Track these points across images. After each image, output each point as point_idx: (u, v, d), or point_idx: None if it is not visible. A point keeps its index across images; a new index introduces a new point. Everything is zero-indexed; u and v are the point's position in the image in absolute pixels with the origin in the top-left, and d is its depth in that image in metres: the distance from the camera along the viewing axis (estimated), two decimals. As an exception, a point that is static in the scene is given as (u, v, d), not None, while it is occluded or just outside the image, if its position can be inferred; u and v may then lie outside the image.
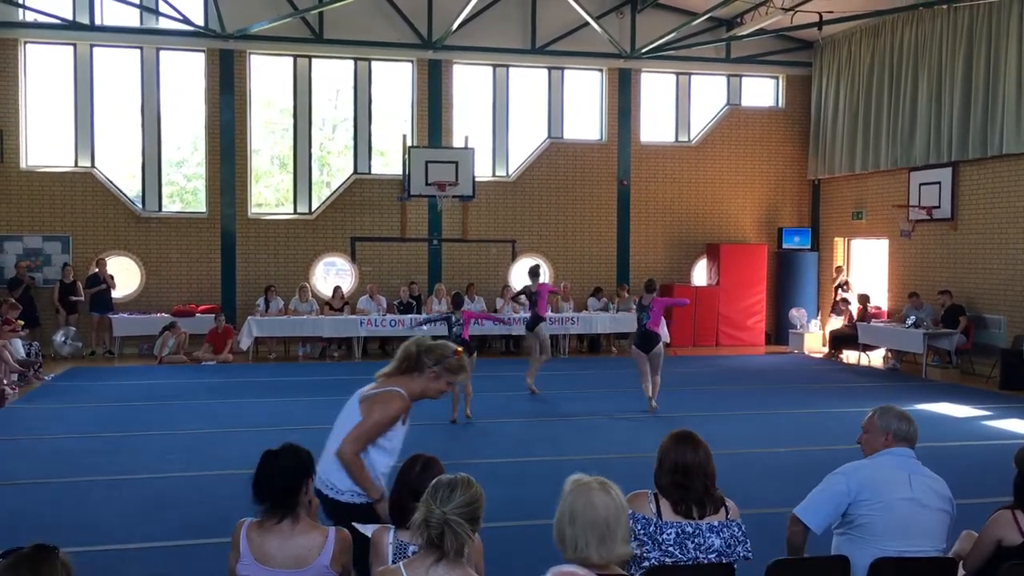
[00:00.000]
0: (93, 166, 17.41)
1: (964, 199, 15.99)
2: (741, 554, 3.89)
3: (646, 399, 11.48)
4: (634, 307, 12.44)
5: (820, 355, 17.96)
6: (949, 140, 15.90)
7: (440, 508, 3.02)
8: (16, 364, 13.19)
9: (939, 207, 16.33)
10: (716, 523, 3.86)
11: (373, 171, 18.68)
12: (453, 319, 11.39)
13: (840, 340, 17.51)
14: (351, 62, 18.39)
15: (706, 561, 3.79)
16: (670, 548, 3.79)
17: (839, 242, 19.87)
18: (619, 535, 2.96)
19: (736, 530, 3.89)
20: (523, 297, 13.06)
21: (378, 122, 18.87)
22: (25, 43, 17.07)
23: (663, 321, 12.86)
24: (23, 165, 17.05)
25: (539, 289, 12.44)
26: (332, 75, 18.98)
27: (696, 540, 3.81)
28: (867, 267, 19.34)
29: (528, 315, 12.83)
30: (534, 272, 12.75)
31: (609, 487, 3.04)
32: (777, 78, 20.43)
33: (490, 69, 19.01)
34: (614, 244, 19.49)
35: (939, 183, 16.33)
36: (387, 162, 19.19)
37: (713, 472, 3.96)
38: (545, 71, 19.25)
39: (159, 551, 6.22)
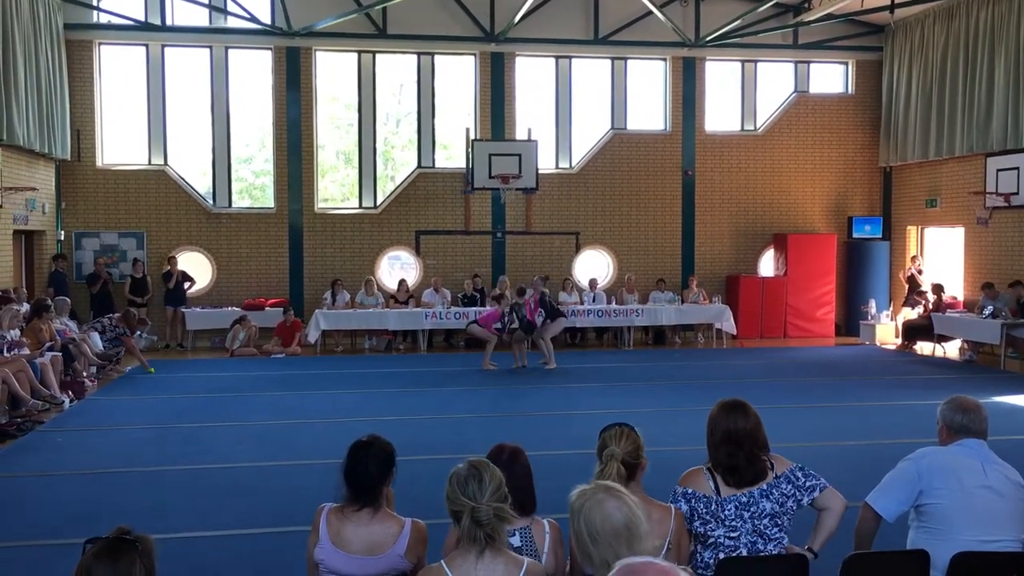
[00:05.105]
0: (166, 164, 17.85)
1: (1045, 185, 15.43)
2: (805, 501, 3.86)
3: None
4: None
5: (893, 347, 17.51)
6: (1029, 124, 15.35)
7: (484, 504, 3.02)
8: (95, 357, 13.62)
9: (1017, 194, 15.76)
10: (765, 486, 3.86)
11: (437, 165, 18.77)
12: (519, 304, 14.33)
13: (914, 331, 17.04)
14: (414, 56, 18.51)
15: (762, 526, 3.83)
16: (732, 522, 3.82)
17: (912, 231, 19.33)
18: (642, 531, 2.79)
19: (784, 484, 3.87)
20: (504, 307, 14.75)
21: (441, 116, 18.96)
22: (99, 44, 17.56)
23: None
24: (99, 163, 17.56)
25: (526, 303, 14.47)
26: (396, 70, 19.13)
27: (752, 509, 3.83)
28: (942, 256, 18.79)
29: (516, 325, 14.64)
30: (521, 291, 14.76)
31: (615, 490, 2.85)
32: (847, 64, 19.95)
33: (553, 61, 18.94)
34: (679, 235, 19.28)
35: (1017, 168, 15.76)
36: (450, 155, 19.27)
37: (764, 441, 3.92)
38: (608, 61, 19.11)
39: (231, 538, 6.36)
